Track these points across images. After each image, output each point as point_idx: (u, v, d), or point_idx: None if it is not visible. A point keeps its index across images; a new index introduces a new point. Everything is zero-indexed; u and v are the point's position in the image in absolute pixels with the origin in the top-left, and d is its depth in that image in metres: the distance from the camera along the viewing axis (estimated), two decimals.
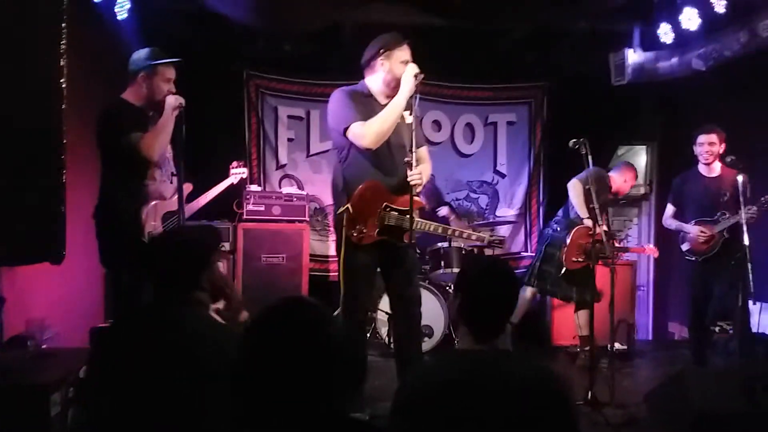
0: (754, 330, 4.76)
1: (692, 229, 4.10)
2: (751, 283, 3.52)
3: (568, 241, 4.47)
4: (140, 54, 3.06)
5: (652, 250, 5.52)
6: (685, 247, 4.20)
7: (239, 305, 2.25)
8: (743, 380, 2.80)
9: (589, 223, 4.25)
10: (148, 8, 4.47)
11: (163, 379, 1.68)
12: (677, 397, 2.81)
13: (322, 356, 1.28)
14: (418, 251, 3.24)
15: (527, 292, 4.89)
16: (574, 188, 4.55)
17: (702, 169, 4.18)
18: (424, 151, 3.33)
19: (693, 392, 2.71)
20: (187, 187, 3.26)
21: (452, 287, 1.76)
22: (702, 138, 4.13)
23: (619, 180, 4.80)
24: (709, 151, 4.10)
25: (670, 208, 4.32)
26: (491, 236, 3.81)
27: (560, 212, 4.84)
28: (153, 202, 2.97)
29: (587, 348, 4.14)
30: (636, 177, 4.92)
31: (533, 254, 6.00)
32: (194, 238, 2.01)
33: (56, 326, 3.70)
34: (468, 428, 1.54)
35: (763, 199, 3.84)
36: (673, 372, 3.38)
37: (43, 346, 3.12)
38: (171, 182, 3.11)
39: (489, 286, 1.71)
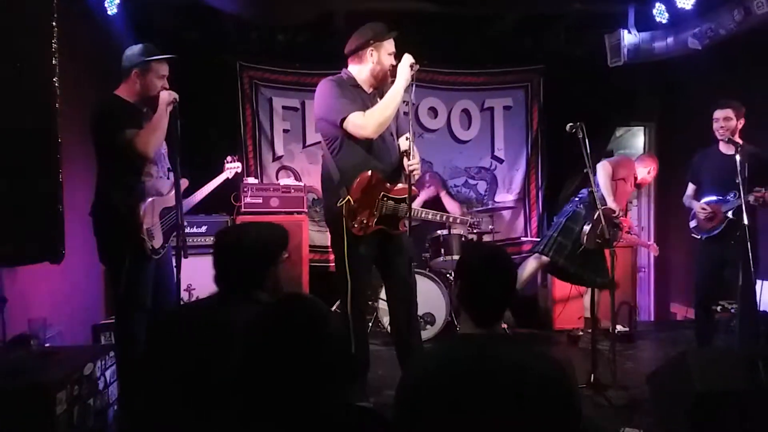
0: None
1: (696, 206, 4.06)
2: (751, 263, 3.49)
3: (595, 217, 4.30)
4: (133, 50, 3.04)
5: (654, 248, 5.56)
6: (692, 224, 4.15)
7: None
8: (744, 359, 2.81)
9: (614, 206, 4.22)
10: (138, 2, 4.44)
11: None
12: (679, 378, 2.82)
13: (322, 352, 1.30)
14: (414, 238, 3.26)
15: (535, 261, 4.83)
16: (604, 169, 4.54)
17: (721, 146, 4.05)
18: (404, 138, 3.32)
19: (694, 373, 2.72)
20: (184, 183, 3.24)
21: (453, 274, 1.78)
22: (717, 113, 3.98)
23: (643, 171, 4.81)
24: (724, 127, 3.94)
25: (690, 187, 4.22)
26: (471, 218, 4.26)
27: (584, 191, 4.76)
28: (150, 199, 2.97)
29: (590, 330, 4.13)
30: (657, 168, 4.88)
31: (534, 239, 6.02)
32: (264, 236, 1.96)
33: (58, 325, 3.72)
34: (471, 412, 1.56)
35: None
36: (675, 353, 3.40)
37: (46, 345, 3.13)
38: (167, 178, 3.10)
39: (487, 272, 1.73)
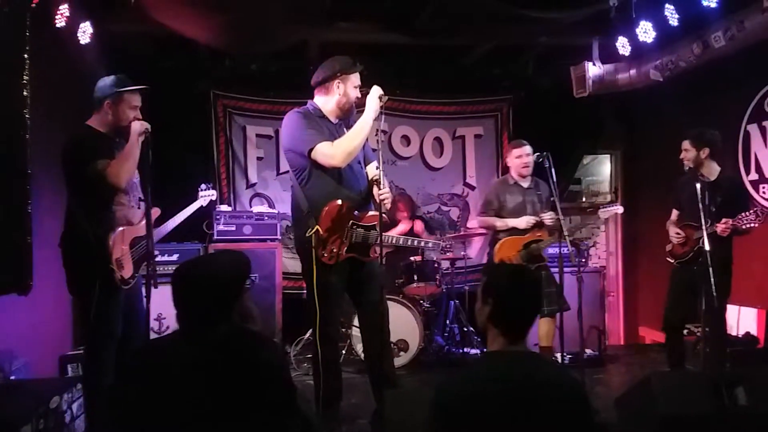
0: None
1: (671, 231, 4.15)
2: (714, 288, 3.57)
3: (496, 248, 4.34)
4: (105, 81, 3.05)
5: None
6: (668, 248, 4.25)
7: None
8: (708, 382, 2.87)
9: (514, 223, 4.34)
10: (110, 32, 4.46)
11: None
12: (644, 401, 2.87)
13: (254, 384, 1.30)
14: (383, 265, 3.29)
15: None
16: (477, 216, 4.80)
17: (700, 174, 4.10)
18: (373, 166, 3.38)
19: (659, 396, 2.77)
20: (155, 212, 3.23)
21: (480, 294, 1.85)
22: (682, 144, 4.07)
23: (515, 162, 4.49)
24: (684, 158, 4.05)
25: (674, 213, 4.26)
26: (443, 241, 4.39)
27: None
28: (120, 228, 2.95)
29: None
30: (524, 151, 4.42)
31: None
32: (225, 268, 1.84)
33: (25, 356, 3.65)
34: (507, 428, 1.65)
35: (738, 216, 3.84)
36: (641, 376, 3.46)
37: (11, 378, 3.06)
38: (138, 207, 3.09)
39: (516, 290, 1.83)
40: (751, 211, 3.82)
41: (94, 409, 2.94)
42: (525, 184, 4.42)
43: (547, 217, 4.23)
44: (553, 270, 4.33)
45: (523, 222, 4.29)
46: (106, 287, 2.87)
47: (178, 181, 4.93)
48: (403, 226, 5.54)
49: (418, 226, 5.75)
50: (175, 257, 4.86)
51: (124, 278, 2.95)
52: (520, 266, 2.30)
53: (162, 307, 4.37)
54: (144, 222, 2.94)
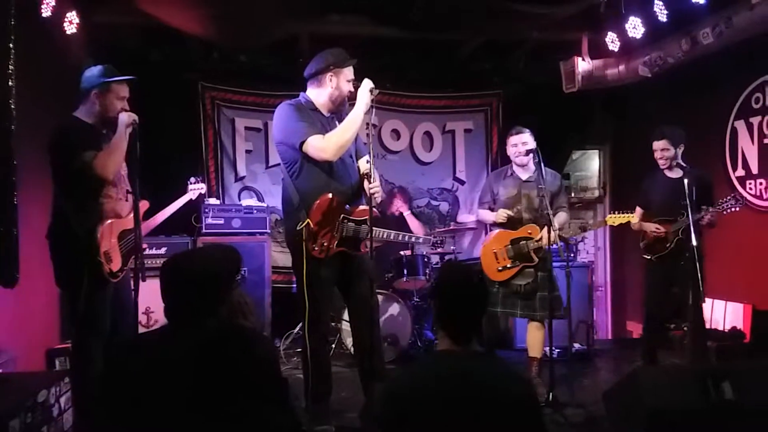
0: (707, 326, 4.95)
1: (648, 227, 4.19)
2: (701, 282, 3.62)
3: (486, 238, 4.20)
4: (93, 71, 3.02)
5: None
6: (642, 244, 4.29)
7: (255, 322, 2.12)
8: (694, 376, 2.90)
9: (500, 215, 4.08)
10: (96, 22, 4.40)
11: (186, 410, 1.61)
12: (631, 395, 2.89)
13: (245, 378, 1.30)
14: (373, 259, 3.28)
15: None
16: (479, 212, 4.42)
17: (666, 171, 4.23)
18: (364, 160, 3.37)
19: (646, 390, 2.79)
20: (144, 205, 3.21)
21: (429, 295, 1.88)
22: (655, 144, 4.18)
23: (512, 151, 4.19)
24: (663, 157, 4.15)
25: (638, 211, 4.32)
26: (434, 237, 4.18)
27: None
28: (108, 221, 2.93)
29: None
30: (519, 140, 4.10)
31: None
32: (215, 262, 1.82)
33: (12, 349, 3.61)
34: (448, 427, 1.65)
35: (718, 202, 3.93)
36: (629, 370, 3.49)
37: None
38: (126, 200, 3.06)
39: (459, 292, 1.83)
40: (731, 196, 3.91)
41: (82, 403, 2.92)
42: (524, 175, 4.09)
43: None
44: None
45: (499, 216, 4.03)
46: (95, 280, 2.85)
47: (167, 174, 4.91)
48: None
49: (410, 219, 5.76)
50: (163, 250, 4.82)
51: (113, 271, 2.93)
52: (466, 267, 2.28)
53: (150, 300, 4.38)
54: (132, 215, 2.92)
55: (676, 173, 4.14)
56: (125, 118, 2.94)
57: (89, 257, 2.83)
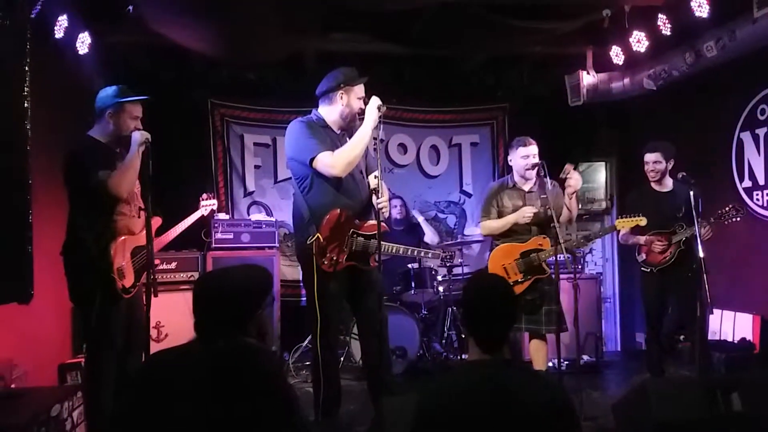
0: (713, 337, 4.94)
1: (648, 240, 4.19)
2: (707, 293, 3.63)
3: (491, 255, 4.09)
4: (107, 92, 3.08)
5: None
6: (641, 258, 4.29)
7: (271, 345, 2.15)
8: (703, 388, 2.90)
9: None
10: (108, 42, 4.49)
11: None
12: (640, 407, 2.90)
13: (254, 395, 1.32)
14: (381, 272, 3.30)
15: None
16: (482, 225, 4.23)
17: (653, 184, 4.29)
18: (372, 176, 3.40)
19: (654, 402, 2.79)
20: (156, 221, 3.27)
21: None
22: (647, 157, 4.24)
23: (521, 162, 4.08)
24: (654, 170, 4.21)
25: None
26: (443, 252, 4.16)
27: None
28: (121, 238, 2.98)
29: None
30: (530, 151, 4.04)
31: None
32: (248, 281, 1.87)
33: (25, 365, 3.66)
34: None
35: (718, 212, 3.96)
36: (637, 382, 3.49)
37: (12, 386, 3.08)
38: (139, 217, 3.12)
39: (484, 301, 1.85)
40: (730, 207, 3.92)
41: (94, 418, 2.95)
42: (526, 186, 4.04)
43: (572, 178, 3.83)
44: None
45: (521, 216, 3.91)
46: (108, 296, 2.89)
47: (178, 190, 4.97)
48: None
49: (425, 226, 5.75)
50: (173, 265, 4.88)
51: (126, 287, 2.98)
52: (494, 277, 2.28)
53: (160, 315, 4.43)
54: (145, 231, 2.97)
55: (665, 186, 4.19)
56: (138, 136, 3.00)
57: (103, 273, 2.88)
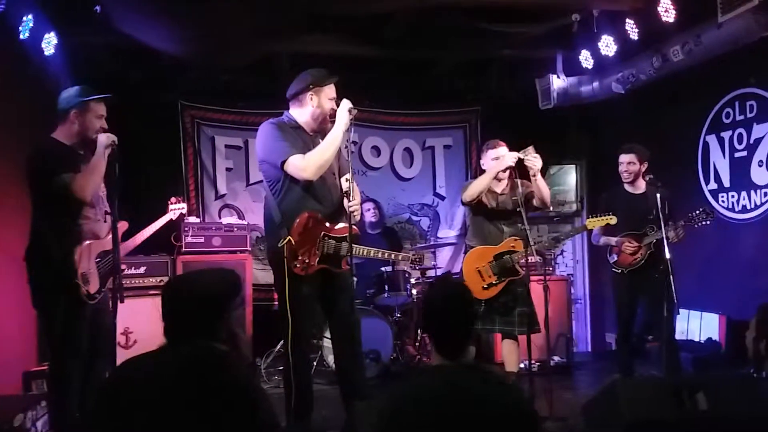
0: (681, 337, 5.03)
1: (619, 242, 4.25)
2: (675, 294, 3.69)
3: (465, 257, 4.13)
4: (70, 92, 3.02)
5: None
6: (612, 259, 4.36)
7: (246, 350, 2.13)
8: (670, 388, 2.95)
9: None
10: (75, 43, 4.40)
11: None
12: (610, 407, 2.93)
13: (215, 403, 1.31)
14: (355, 276, 3.28)
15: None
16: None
17: (627, 186, 4.36)
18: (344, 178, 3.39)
19: (623, 402, 2.83)
20: (123, 226, 3.21)
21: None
22: (622, 158, 4.31)
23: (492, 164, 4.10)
24: (628, 170, 4.27)
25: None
26: (413, 255, 4.05)
27: None
28: (86, 242, 2.92)
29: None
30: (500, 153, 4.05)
31: None
32: (214, 285, 1.85)
33: None
34: None
35: (689, 216, 4.03)
36: (607, 382, 3.53)
37: None
38: (105, 221, 3.06)
39: (443, 305, 1.86)
40: (700, 210, 4.00)
41: (60, 426, 2.88)
42: (498, 188, 4.07)
43: (531, 159, 3.83)
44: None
45: (501, 165, 3.87)
46: (72, 302, 2.83)
47: (146, 194, 4.90)
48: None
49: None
50: (142, 270, 4.80)
51: (90, 293, 2.91)
52: (454, 283, 2.31)
53: (128, 321, 4.35)
54: (110, 236, 2.91)
55: (638, 188, 4.26)
56: (104, 139, 2.94)
57: (66, 279, 2.81)
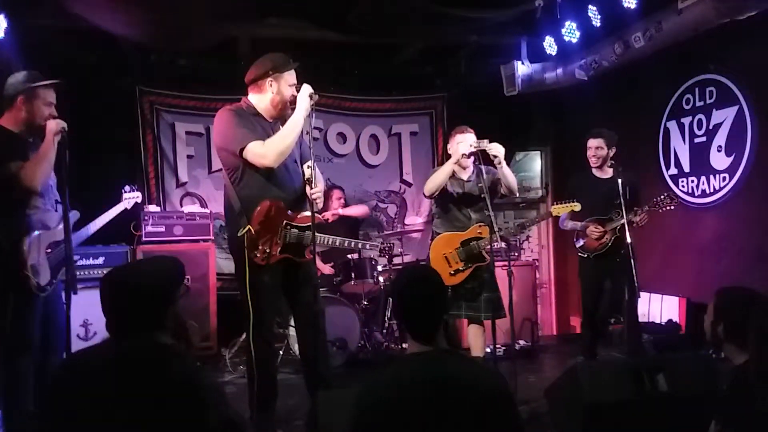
0: (642, 319, 5.13)
1: (584, 226, 4.29)
2: (635, 277, 3.75)
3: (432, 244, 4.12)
4: (17, 77, 2.91)
5: None
6: (578, 244, 4.41)
7: (194, 340, 2.06)
8: (630, 369, 2.99)
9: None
10: (26, 26, 4.24)
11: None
12: (571, 389, 2.96)
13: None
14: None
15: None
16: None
17: (595, 171, 4.40)
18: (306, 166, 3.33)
19: (584, 384, 2.86)
20: (75, 215, 3.11)
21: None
22: (590, 142, 4.36)
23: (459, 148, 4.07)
24: (595, 155, 4.33)
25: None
26: (382, 244, 4.11)
27: None
28: (36, 233, 2.82)
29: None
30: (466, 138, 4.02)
31: None
32: (154, 275, 1.79)
33: None
34: (423, 428, 1.64)
35: (653, 201, 4.09)
36: (569, 366, 3.57)
37: None
38: (56, 210, 2.96)
39: (414, 292, 1.84)
40: (665, 195, 4.07)
41: (12, 422, 2.80)
42: (464, 175, 4.07)
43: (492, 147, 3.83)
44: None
45: (454, 157, 3.92)
46: (21, 295, 2.74)
47: (103, 182, 4.74)
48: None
49: (351, 209, 5.68)
50: (100, 260, 4.67)
51: (41, 285, 2.82)
52: (424, 268, 2.30)
53: (88, 312, 4.24)
54: (62, 226, 2.81)
55: (606, 173, 4.30)
56: (53, 125, 2.84)
57: (15, 271, 2.72)
